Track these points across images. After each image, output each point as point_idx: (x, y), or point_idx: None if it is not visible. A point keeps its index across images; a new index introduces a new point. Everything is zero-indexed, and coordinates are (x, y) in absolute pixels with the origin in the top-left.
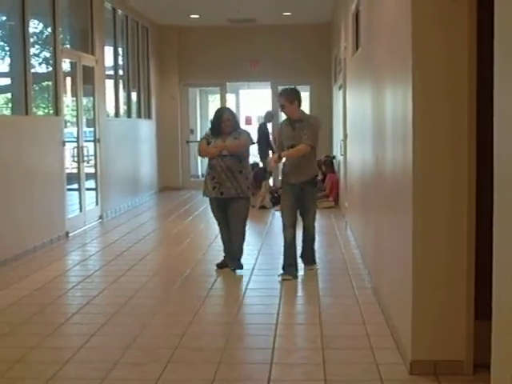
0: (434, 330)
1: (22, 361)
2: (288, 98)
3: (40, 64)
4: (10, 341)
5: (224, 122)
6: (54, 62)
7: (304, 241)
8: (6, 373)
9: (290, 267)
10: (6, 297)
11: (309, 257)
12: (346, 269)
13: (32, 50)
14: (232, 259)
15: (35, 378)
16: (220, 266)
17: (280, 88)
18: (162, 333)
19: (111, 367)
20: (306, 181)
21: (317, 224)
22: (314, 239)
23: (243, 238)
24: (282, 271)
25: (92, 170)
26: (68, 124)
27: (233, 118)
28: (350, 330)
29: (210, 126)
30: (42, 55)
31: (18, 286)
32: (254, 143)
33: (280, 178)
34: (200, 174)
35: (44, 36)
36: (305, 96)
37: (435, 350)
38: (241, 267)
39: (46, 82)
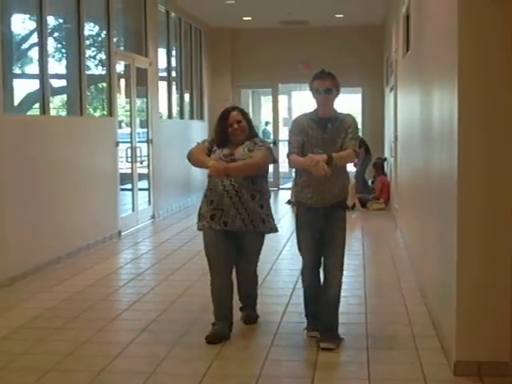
0: (478, 331)
1: (73, 354)
2: (335, 84)
3: (95, 66)
4: (62, 335)
5: (231, 126)
6: (109, 63)
7: (324, 296)
8: (57, 365)
9: (314, 322)
10: (60, 293)
11: (328, 324)
12: (394, 270)
13: (87, 52)
14: (245, 309)
15: (86, 370)
16: (211, 338)
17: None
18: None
19: (159, 362)
20: (335, 204)
21: (366, 225)
22: (339, 296)
23: (257, 280)
24: (305, 320)
25: (145, 171)
26: (122, 125)
27: (245, 120)
28: (395, 330)
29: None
30: (96, 57)
31: (71, 282)
32: (275, 161)
33: (292, 197)
34: None
35: (98, 38)
36: (357, 98)
37: (479, 351)
38: (255, 319)
39: (101, 84)
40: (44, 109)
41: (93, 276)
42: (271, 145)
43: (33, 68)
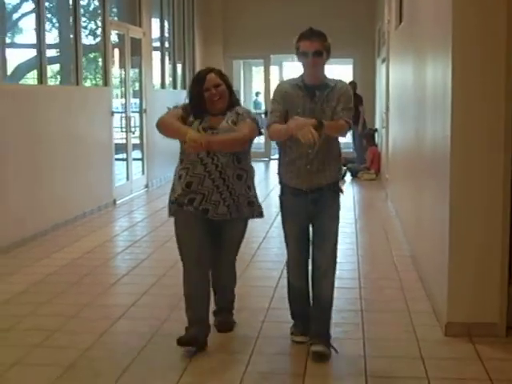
0: (468, 294)
1: (76, 316)
2: (326, 46)
3: (88, 36)
4: (64, 298)
5: (208, 91)
6: (104, 33)
7: (314, 297)
8: (62, 327)
9: (303, 323)
10: (59, 259)
11: (320, 327)
12: (385, 238)
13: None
14: (220, 313)
15: (89, 332)
16: (185, 341)
17: None
18: None
19: (160, 324)
20: (325, 186)
21: (357, 195)
22: (331, 299)
23: (235, 276)
24: (292, 322)
25: (138, 141)
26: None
27: (225, 84)
28: (388, 294)
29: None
30: (89, 27)
31: (69, 249)
32: (261, 133)
33: (278, 181)
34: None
35: (92, 8)
36: (348, 69)
37: (469, 313)
38: (231, 326)
39: (93, 54)
40: (41, 78)
41: (90, 243)
42: (262, 116)
43: (25, 38)
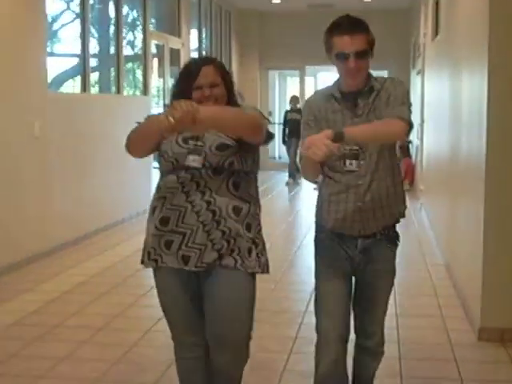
0: (501, 300)
1: (121, 315)
2: (370, 39)
3: (126, 46)
4: (108, 298)
5: (201, 90)
6: (144, 44)
7: (360, 372)
8: (107, 325)
9: None
10: (101, 261)
11: None
12: (419, 247)
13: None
14: None
15: (134, 330)
16: None
17: None
18: None
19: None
20: (382, 230)
21: None
22: (375, 370)
23: (240, 363)
24: None
25: None
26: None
27: (223, 83)
28: (422, 300)
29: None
30: (127, 37)
31: (110, 252)
32: (272, 137)
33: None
34: (277, 154)
35: (133, 19)
36: None
37: (503, 318)
38: None
39: (130, 64)
40: (85, 87)
41: (130, 247)
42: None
43: (65, 47)
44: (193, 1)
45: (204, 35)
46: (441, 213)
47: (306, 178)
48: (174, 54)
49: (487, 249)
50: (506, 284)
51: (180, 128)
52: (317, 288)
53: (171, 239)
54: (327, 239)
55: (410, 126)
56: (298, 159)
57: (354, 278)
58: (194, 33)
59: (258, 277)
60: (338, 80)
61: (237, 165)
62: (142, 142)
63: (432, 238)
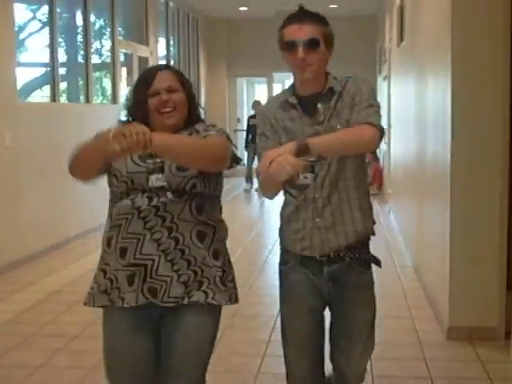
0: (469, 300)
1: (95, 323)
2: (324, 31)
3: (96, 55)
4: (83, 307)
5: (158, 96)
6: (113, 52)
7: None
8: (83, 332)
9: None
10: (76, 270)
11: None
12: (389, 250)
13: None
14: None
15: None
16: None
17: None
18: None
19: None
20: (348, 251)
21: None
22: None
23: None
24: None
25: None
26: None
27: (183, 89)
28: (392, 302)
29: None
30: (96, 46)
31: (85, 260)
32: (239, 161)
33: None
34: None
35: (100, 27)
36: None
37: (470, 318)
38: None
39: (98, 73)
40: (54, 96)
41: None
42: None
43: (35, 56)
44: (160, 9)
45: (172, 43)
46: (409, 216)
47: (265, 196)
48: (143, 63)
49: (454, 250)
50: (472, 284)
51: (127, 154)
52: (283, 322)
53: (132, 273)
54: (290, 271)
55: (381, 131)
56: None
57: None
58: (161, 41)
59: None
60: (293, 84)
61: (199, 187)
62: (86, 163)
63: (401, 241)
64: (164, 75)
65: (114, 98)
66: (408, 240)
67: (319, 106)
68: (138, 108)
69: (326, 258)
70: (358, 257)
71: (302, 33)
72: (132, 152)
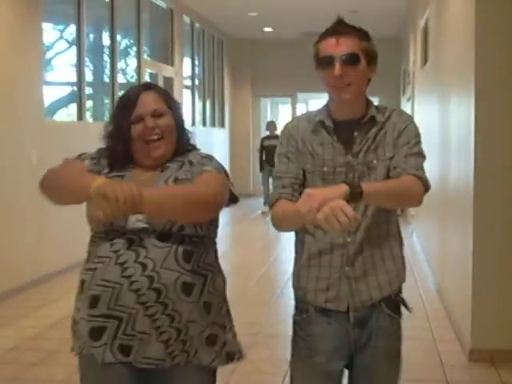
0: (491, 321)
1: None
2: (364, 46)
3: (122, 74)
4: None
5: (142, 122)
6: (139, 72)
7: None
8: None
9: None
10: None
11: None
12: (411, 271)
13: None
14: None
15: None
16: None
17: None
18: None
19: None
20: (382, 302)
21: None
22: None
23: None
24: None
25: None
26: None
27: (171, 113)
28: (414, 323)
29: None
30: (122, 66)
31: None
32: (236, 200)
33: (294, 291)
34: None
35: (126, 47)
36: None
37: (492, 340)
38: None
39: (122, 91)
40: (81, 114)
41: None
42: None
43: (61, 75)
44: (186, 29)
45: (197, 63)
46: (431, 237)
47: (278, 229)
48: (168, 83)
49: (476, 272)
50: (495, 306)
51: (110, 219)
52: (291, 381)
53: (103, 326)
54: (308, 323)
55: (427, 188)
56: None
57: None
58: (187, 61)
59: (255, 301)
60: (327, 105)
61: (189, 229)
62: (64, 195)
63: (423, 262)
64: (148, 97)
65: None
66: (430, 261)
67: (356, 134)
68: (119, 136)
69: (354, 310)
70: (388, 304)
71: (339, 47)
72: (116, 216)
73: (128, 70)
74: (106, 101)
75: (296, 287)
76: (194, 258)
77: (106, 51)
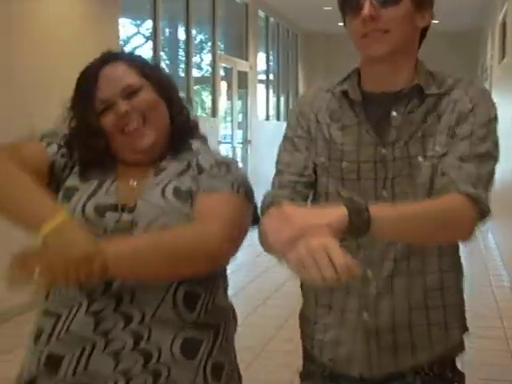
0: None
1: None
2: None
3: (197, 69)
4: None
5: (112, 109)
6: (213, 67)
7: None
8: None
9: None
10: None
11: None
12: (485, 269)
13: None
14: None
15: None
16: None
17: None
18: None
19: (267, 342)
20: (423, 367)
21: None
22: None
23: None
24: None
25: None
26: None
27: (147, 79)
28: (486, 321)
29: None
30: (196, 60)
31: None
32: (257, 221)
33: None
34: None
35: (200, 42)
36: None
37: None
38: None
39: (198, 86)
40: None
41: None
42: None
43: None
44: (260, 24)
45: (271, 58)
46: (507, 234)
47: (268, 251)
48: (242, 77)
49: None
50: None
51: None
52: None
53: None
54: (320, 379)
55: (483, 215)
56: None
57: None
58: (261, 56)
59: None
60: (356, 70)
61: None
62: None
63: (498, 260)
64: (113, 72)
65: (214, 112)
66: (505, 259)
67: (394, 114)
68: (86, 133)
69: (372, 377)
70: (432, 375)
71: None
72: (69, 282)
73: (202, 65)
74: (181, 94)
75: (301, 333)
76: (201, 303)
77: (182, 46)
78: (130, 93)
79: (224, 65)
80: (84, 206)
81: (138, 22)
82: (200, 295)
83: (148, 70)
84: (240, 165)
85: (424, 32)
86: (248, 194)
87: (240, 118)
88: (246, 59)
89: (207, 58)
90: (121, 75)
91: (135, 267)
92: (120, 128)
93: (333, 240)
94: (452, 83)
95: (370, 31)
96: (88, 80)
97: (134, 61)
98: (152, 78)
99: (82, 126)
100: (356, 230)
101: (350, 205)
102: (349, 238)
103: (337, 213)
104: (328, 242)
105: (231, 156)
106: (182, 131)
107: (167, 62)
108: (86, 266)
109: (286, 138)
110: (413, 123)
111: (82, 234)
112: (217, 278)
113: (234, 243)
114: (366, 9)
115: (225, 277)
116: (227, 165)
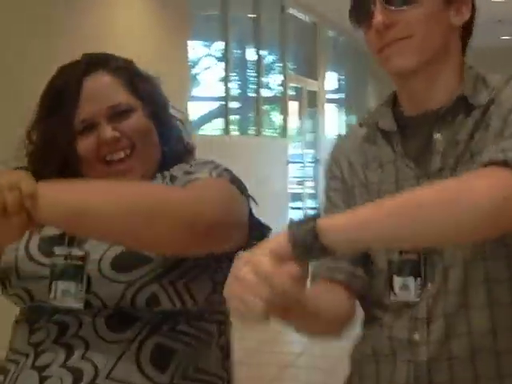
0: None
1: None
2: None
3: (266, 89)
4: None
5: (91, 134)
6: (283, 86)
7: None
8: None
9: None
10: None
11: None
12: None
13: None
14: None
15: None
16: None
17: None
18: None
19: None
20: None
21: None
22: None
23: None
24: None
25: (313, 191)
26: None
27: (138, 97)
28: None
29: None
30: (266, 80)
31: None
32: (265, 235)
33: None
34: None
35: (270, 62)
36: None
37: None
38: None
39: (268, 106)
40: (227, 129)
41: None
42: None
43: (207, 90)
44: (330, 43)
45: (341, 77)
46: None
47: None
48: (311, 97)
49: None
50: None
51: None
52: None
53: None
54: None
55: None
56: None
57: None
58: (331, 75)
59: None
60: (393, 92)
61: (166, 302)
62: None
63: None
64: (98, 84)
65: (284, 131)
66: None
67: (437, 136)
68: (54, 156)
69: None
70: None
71: None
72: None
73: (272, 85)
74: (250, 114)
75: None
76: (176, 360)
77: (251, 66)
78: (118, 113)
79: (293, 84)
80: (29, 239)
81: (207, 43)
82: (175, 352)
83: (137, 82)
84: (312, 183)
85: (467, 29)
86: (238, 184)
87: (310, 137)
88: (316, 79)
89: (277, 78)
90: (107, 90)
91: (78, 210)
92: (101, 156)
93: (264, 259)
94: (502, 84)
95: (388, 42)
96: (66, 90)
97: (123, 71)
98: (143, 94)
99: (48, 144)
100: (301, 243)
101: (295, 220)
102: (303, 257)
103: (281, 232)
104: (260, 260)
105: (302, 175)
106: (174, 160)
107: (238, 82)
108: (10, 193)
109: (323, 192)
110: (459, 143)
111: (24, 172)
112: (207, 330)
113: (224, 221)
114: (378, 16)
115: (221, 328)
116: (205, 162)
